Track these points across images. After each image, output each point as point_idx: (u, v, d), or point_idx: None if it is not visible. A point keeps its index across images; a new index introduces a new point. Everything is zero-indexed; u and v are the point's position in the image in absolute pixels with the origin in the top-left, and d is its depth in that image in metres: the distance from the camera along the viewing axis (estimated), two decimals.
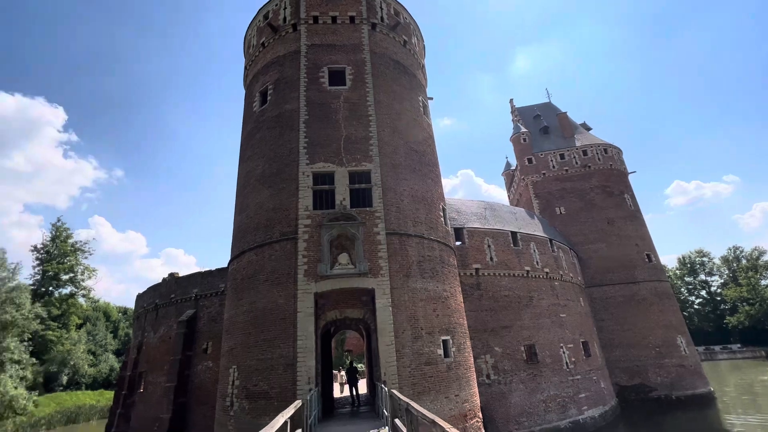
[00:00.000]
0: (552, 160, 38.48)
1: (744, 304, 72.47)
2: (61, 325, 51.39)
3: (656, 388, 29.71)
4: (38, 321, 40.06)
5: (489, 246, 24.32)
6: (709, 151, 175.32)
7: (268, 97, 17.89)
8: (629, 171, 39.43)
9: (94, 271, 56.45)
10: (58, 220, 53.14)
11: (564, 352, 24.15)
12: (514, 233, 25.72)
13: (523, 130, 40.52)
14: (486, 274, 23.48)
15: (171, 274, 25.18)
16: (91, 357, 57.35)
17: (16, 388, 32.95)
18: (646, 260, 33.87)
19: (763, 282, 73.05)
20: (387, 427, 9.13)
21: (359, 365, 37.17)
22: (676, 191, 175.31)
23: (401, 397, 6.77)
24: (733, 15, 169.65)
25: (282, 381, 12.38)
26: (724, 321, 77.96)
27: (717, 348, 68.82)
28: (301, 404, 8.64)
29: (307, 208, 14.59)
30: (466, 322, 16.39)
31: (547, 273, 26.27)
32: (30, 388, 36.61)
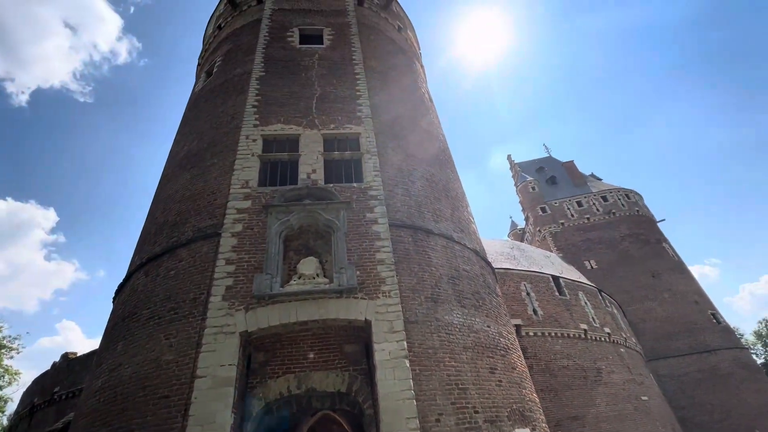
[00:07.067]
0: (569, 209, 33.33)
1: None
2: None
3: None
4: None
5: (528, 294, 17.31)
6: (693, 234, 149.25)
7: (215, 70, 12.76)
8: (657, 219, 34.34)
9: (16, 374, 45.27)
10: None
11: None
12: (556, 278, 18.95)
13: (530, 178, 36.26)
14: (531, 333, 16.05)
15: (64, 355, 16.79)
16: None
17: None
18: (714, 321, 26.54)
19: None
20: None
21: None
22: None
23: None
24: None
25: None
26: None
27: None
28: None
29: (247, 184, 8.20)
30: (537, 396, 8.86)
31: (609, 334, 18.80)
32: None
